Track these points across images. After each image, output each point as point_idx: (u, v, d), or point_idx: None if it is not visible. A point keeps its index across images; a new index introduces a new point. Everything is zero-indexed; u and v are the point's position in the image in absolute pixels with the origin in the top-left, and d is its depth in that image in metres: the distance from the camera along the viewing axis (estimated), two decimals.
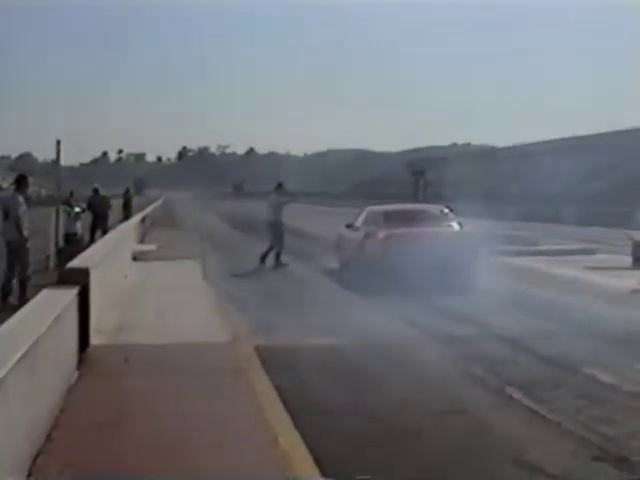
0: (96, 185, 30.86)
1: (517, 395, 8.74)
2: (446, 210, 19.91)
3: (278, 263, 23.08)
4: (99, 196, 29.71)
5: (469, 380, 9.58)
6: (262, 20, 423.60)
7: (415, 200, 42.77)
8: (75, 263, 11.52)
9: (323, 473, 6.35)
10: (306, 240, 30.91)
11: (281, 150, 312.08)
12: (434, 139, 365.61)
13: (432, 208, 21.34)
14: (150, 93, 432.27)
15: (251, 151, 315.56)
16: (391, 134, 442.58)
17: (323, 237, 30.74)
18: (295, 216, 26.11)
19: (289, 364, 10.38)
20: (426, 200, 43.66)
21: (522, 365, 10.26)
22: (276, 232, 23.61)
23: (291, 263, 23.14)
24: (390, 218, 19.18)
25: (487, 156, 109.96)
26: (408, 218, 19.06)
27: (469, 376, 9.74)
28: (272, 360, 10.41)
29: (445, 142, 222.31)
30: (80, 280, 10.17)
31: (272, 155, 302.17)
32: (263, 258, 23.31)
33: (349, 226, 20.97)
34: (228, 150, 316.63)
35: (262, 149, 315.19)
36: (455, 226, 18.86)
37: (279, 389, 8.94)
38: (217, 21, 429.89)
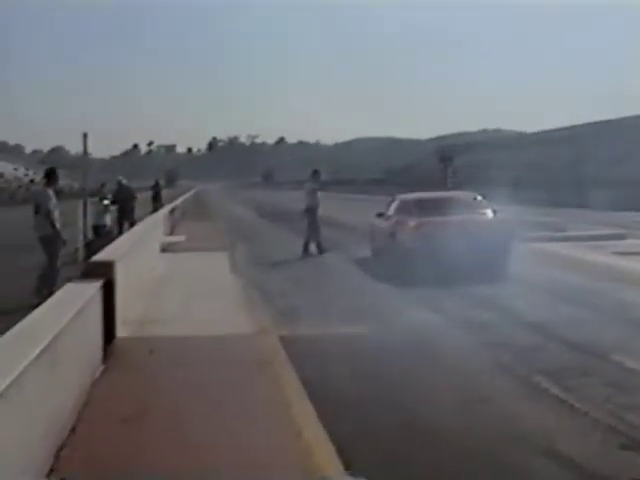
0: (120, 177, 30.77)
1: (545, 383, 8.63)
2: (479, 197, 19.35)
3: (321, 250, 23.24)
4: (124, 188, 29.69)
5: (497, 368, 9.46)
6: (291, 9, 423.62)
7: (444, 187, 42.43)
8: (100, 256, 11.51)
9: (346, 467, 6.28)
10: (335, 228, 30.71)
11: (311, 139, 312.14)
12: (464, 125, 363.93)
13: (465, 195, 20.67)
14: (180, 84, 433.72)
15: (281, 140, 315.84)
16: (420, 121, 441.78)
17: (353, 225, 30.75)
18: (325, 206, 25.88)
19: (314, 354, 10.29)
20: (455, 187, 43.33)
21: (551, 352, 10.14)
22: (311, 218, 23.69)
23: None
24: (422, 206, 18.64)
25: (516, 142, 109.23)
26: (440, 206, 18.36)
27: (497, 364, 9.63)
28: (297, 351, 10.32)
29: (475, 128, 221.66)
30: (105, 273, 10.16)
31: (302, 144, 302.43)
32: (305, 248, 23.33)
33: (380, 215, 20.77)
34: (258, 140, 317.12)
35: (292, 138, 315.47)
36: (489, 213, 18.22)
37: (304, 380, 8.86)
38: (246, 9, 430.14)
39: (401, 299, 14.38)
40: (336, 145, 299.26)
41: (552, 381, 8.68)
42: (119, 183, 30.04)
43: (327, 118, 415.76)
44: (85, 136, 22.09)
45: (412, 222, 17.75)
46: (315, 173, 25.08)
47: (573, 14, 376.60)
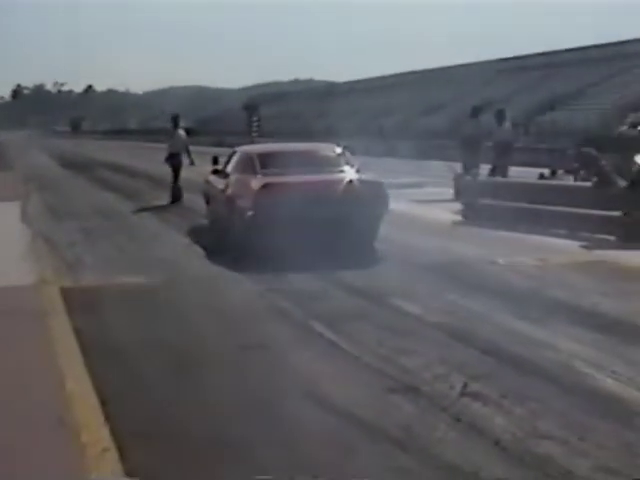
0: None
1: (319, 328, 8.70)
2: (339, 149, 15.63)
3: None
4: None
5: (276, 315, 9.50)
6: None
7: (249, 136, 42.31)
8: None
9: (105, 417, 6.17)
10: (138, 178, 30.30)
11: (120, 87, 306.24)
12: (276, 75, 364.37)
13: (323, 148, 16.50)
14: None
15: (89, 89, 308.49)
16: (232, 70, 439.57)
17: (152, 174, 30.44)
18: (134, 155, 25.40)
19: (94, 305, 10.11)
20: (260, 136, 43.34)
21: (330, 298, 10.23)
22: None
23: (116, 202, 22.68)
24: (268, 162, 14.75)
25: (328, 91, 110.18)
26: (292, 162, 14.53)
27: (276, 311, 9.67)
28: (77, 302, 10.16)
29: (287, 78, 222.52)
30: None
31: (111, 93, 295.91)
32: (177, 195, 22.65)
33: (217, 172, 16.88)
34: (65, 88, 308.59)
35: (101, 87, 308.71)
36: (351, 172, 14.47)
37: (77, 331, 8.70)
38: None
39: (188, 249, 14.28)
40: (146, 94, 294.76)
41: (327, 326, 8.75)
42: None
43: (137, 66, 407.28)
44: None
45: (254, 183, 13.86)
46: (175, 119, 24.20)
47: None
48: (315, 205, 12.96)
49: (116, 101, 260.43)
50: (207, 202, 17.62)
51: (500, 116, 20.98)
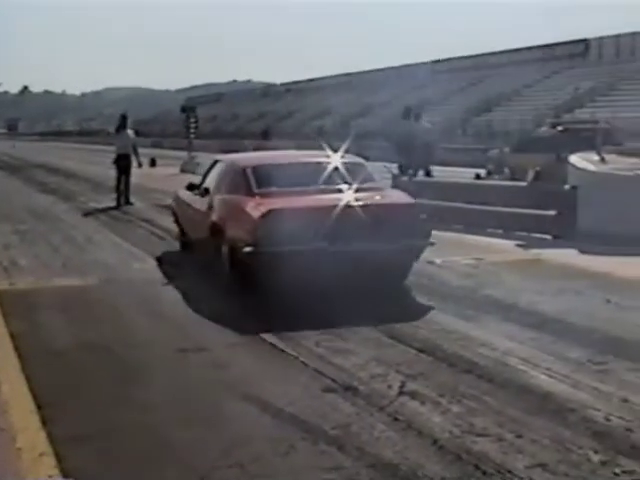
0: None
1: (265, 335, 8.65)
2: (358, 160, 12.16)
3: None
4: None
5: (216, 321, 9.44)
6: None
7: (187, 137, 41.87)
8: None
9: (43, 420, 6.11)
10: (75, 180, 29.99)
11: (57, 89, 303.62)
12: (214, 76, 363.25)
13: (336, 160, 11.67)
14: None
15: (25, 90, 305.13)
16: (169, 72, 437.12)
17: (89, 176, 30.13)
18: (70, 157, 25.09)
19: (29, 308, 9.98)
20: (197, 137, 43.03)
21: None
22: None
23: (52, 204, 22.43)
24: (267, 178, 10.98)
25: (265, 93, 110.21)
26: (298, 178, 10.94)
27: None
28: (12, 305, 10.04)
29: (225, 79, 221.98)
30: None
31: (48, 94, 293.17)
32: (128, 199, 22.35)
33: (192, 187, 13.21)
34: (0, 89, 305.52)
35: (37, 88, 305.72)
36: (386, 189, 11.76)
37: (13, 335, 8.60)
38: None
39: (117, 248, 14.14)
40: (84, 95, 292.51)
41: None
42: None
43: (73, 67, 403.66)
44: None
45: (252, 208, 10.21)
46: (124, 118, 23.85)
47: None
48: (337, 237, 9.76)
49: (52, 102, 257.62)
50: (177, 222, 14.40)
51: (414, 116, 20.85)
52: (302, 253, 9.58)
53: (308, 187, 10.66)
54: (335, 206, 9.88)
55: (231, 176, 11.69)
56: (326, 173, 11.00)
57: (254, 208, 10.11)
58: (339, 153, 12.13)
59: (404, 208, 10.50)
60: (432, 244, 10.53)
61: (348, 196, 10.29)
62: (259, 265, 9.74)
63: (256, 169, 11.26)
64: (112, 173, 22.80)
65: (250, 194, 10.67)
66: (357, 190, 10.57)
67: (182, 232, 13.91)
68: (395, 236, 9.90)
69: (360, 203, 10.14)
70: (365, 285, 9.64)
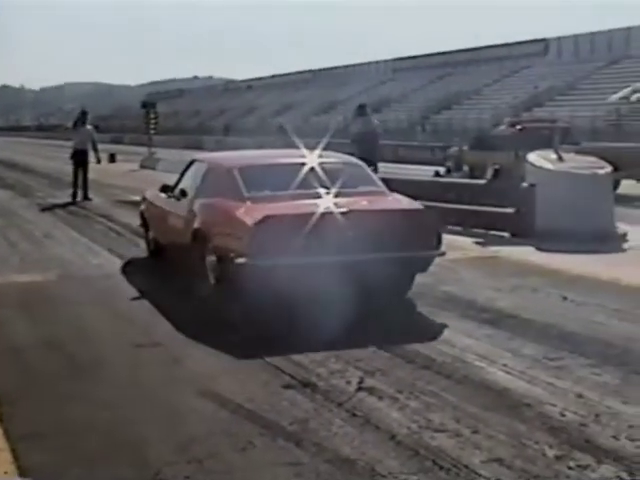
0: None
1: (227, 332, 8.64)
2: (358, 162, 11.34)
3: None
4: None
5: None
6: None
7: (147, 133, 41.59)
8: None
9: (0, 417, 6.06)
10: (33, 175, 29.74)
11: (15, 83, 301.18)
12: (175, 72, 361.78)
13: (333, 160, 10.94)
14: None
15: None
16: (129, 67, 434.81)
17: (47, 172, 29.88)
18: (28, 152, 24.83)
19: None
20: (157, 133, 42.78)
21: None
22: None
23: (10, 200, 22.30)
24: (257, 180, 9.96)
25: (226, 89, 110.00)
26: (292, 180, 9.74)
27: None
28: None
29: (186, 75, 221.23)
30: None
31: (5, 89, 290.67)
32: (86, 194, 22.14)
33: (166, 189, 12.03)
34: None
35: None
36: (388, 193, 10.34)
37: None
38: None
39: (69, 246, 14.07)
40: (43, 90, 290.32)
41: None
42: None
43: (32, 62, 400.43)
44: None
45: (245, 213, 9.20)
46: (84, 114, 23.63)
47: None
48: (340, 247, 8.85)
49: (11, 97, 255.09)
50: (145, 227, 13.26)
51: (361, 112, 20.70)
52: (301, 265, 8.74)
53: (304, 191, 9.56)
54: (338, 212, 8.99)
55: (214, 178, 10.55)
56: (323, 175, 9.88)
57: (246, 214, 9.07)
58: (334, 153, 11.45)
59: (413, 214, 9.62)
60: (443, 254, 9.71)
61: (350, 201, 9.37)
62: (251, 278, 8.66)
63: (243, 170, 10.11)
64: (70, 168, 22.59)
65: (239, 198, 9.55)
66: (359, 194, 9.82)
67: (151, 237, 12.82)
68: (403, 245, 9.05)
69: (365, 209, 9.45)
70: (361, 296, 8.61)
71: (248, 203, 9.36)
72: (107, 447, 5.60)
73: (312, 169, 10.02)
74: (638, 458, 5.28)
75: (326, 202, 9.21)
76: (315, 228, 8.71)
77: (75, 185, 22.18)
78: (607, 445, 5.49)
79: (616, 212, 14.58)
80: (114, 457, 5.44)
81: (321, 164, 10.20)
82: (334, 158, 11.05)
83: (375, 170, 20.32)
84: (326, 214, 8.90)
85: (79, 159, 22.52)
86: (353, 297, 8.39)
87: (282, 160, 11.05)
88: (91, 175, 22.42)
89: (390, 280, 9.20)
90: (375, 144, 18.72)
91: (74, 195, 21.96)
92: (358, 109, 20.08)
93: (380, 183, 10.50)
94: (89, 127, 23.24)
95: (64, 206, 21.04)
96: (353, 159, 11.46)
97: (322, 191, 9.56)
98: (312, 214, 8.83)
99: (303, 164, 10.15)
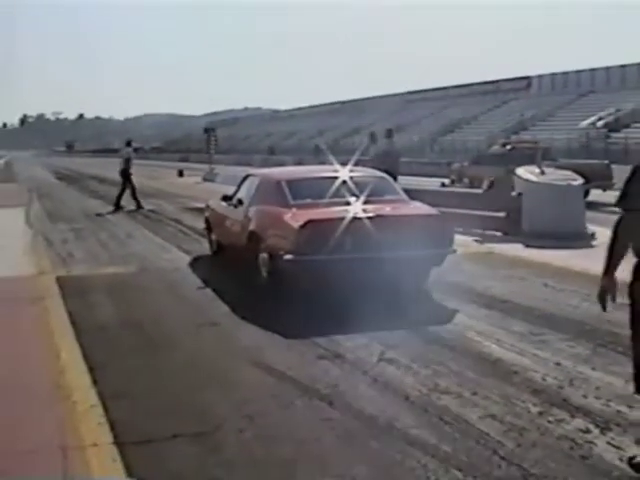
0: None
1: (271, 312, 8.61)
2: (384, 175, 11.13)
3: (139, 205, 21.91)
4: None
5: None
6: None
7: (208, 153, 41.77)
8: None
9: (94, 379, 6.11)
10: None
11: (105, 115, 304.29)
12: (230, 104, 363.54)
13: (363, 174, 10.89)
14: None
15: (81, 117, 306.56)
16: (195, 100, 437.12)
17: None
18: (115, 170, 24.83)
19: (82, 291, 9.93)
20: (216, 152, 42.99)
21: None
22: (125, 179, 22.55)
23: (101, 207, 22.39)
24: (302, 191, 9.94)
25: (272, 117, 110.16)
26: (330, 191, 9.74)
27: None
28: (69, 288, 10.01)
29: (239, 106, 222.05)
30: None
31: (98, 120, 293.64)
32: (117, 203, 22.03)
33: (226, 198, 12.00)
34: (61, 116, 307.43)
35: (90, 114, 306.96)
36: (412, 202, 10.19)
37: (69, 312, 8.58)
38: None
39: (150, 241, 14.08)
40: (126, 120, 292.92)
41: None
42: None
43: (119, 96, 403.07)
44: None
45: (291, 218, 9.21)
46: (129, 143, 23.91)
47: None
48: (368, 246, 8.78)
49: (102, 126, 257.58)
50: (208, 230, 13.12)
51: (373, 138, 20.43)
52: (336, 260, 8.66)
53: (339, 199, 9.51)
54: (366, 217, 8.92)
55: (266, 189, 10.52)
56: (354, 187, 9.81)
57: (292, 219, 9.08)
58: (362, 168, 11.59)
59: (430, 219, 9.43)
60: (454, 251, 9.52)
61: (378, 208, 9.31)
62: (297, 271, 8.84)
63: (290, 183, 10.12)
64: (149, 183, 22.68)
65: (286, 206, 9.57)
66: (385, 202, 9.72)
67: (213, 238, 12.72)
68: (422, 244, 8.86)
69: (390, 214, 9.34)
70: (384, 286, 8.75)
71: (294, 209, 9.38)
72: (176, 406, 5.62)
73: (344, 181, 10.00)
74: (602, 413, 5.28)
75: (357, 208, 9.16)
76: (348, 230, 8.70)
77: (133, 196, 22.33)
78: (579, 403, 5.47)
79: (586, 216, 14.44)
80: (182, 414, 5.45)
81: (352, 177, 10.18)
82: (362, 172, 10.99)
83: (395, 181, 20.22)
84: (356, 218, 8.88)
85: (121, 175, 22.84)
86: (379, 287, 8.57)
87: (320, 174, 10.91)
88: (163, 187, 22.48)
89: (411, 273, 9.17)
90: (397, 160, 18.53)
91: (138, 203, 22.11)
92: (387, 132, 19.83)
93: (402, 192, 10.38)
94: (125, 150, 23.44)
95: (140, 212, 21.09)
96: (378, 172, 11.27)
97: (353, 199, 9.50)
98: (345, 218, 8.82)
99: (337, 177, 10.15)
